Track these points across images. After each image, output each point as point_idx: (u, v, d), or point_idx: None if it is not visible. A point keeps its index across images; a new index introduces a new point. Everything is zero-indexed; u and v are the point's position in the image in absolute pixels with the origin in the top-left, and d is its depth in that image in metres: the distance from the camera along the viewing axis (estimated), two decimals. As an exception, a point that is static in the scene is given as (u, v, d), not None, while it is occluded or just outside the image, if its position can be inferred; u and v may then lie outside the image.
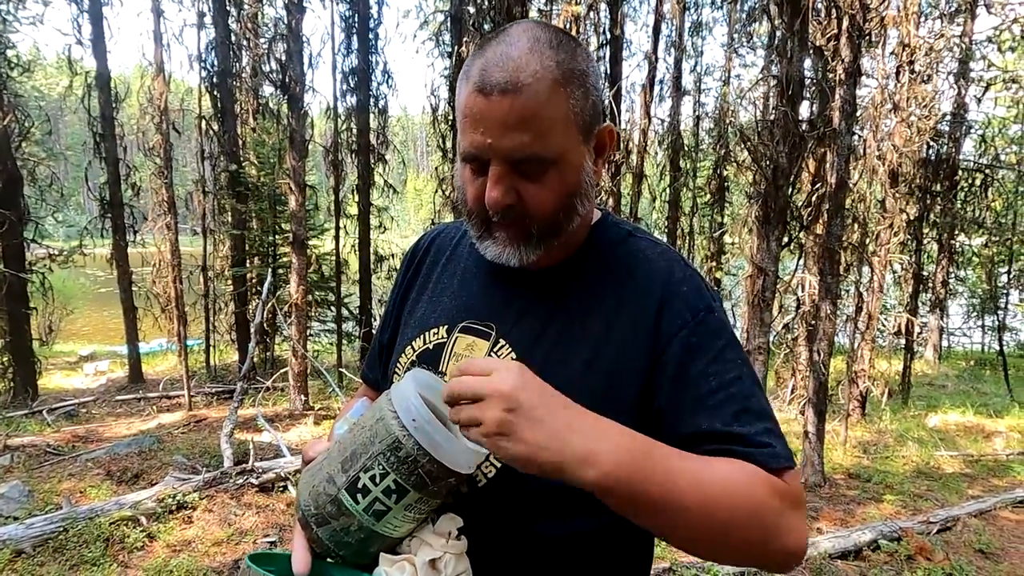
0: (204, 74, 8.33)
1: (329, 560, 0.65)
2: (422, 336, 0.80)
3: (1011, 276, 11.92)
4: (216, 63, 8.31)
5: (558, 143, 0.67)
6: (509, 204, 0.68)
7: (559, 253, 0.75)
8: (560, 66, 0.67)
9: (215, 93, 8.32)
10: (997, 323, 10.79)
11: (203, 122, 8.33)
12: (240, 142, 8.77)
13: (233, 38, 8.37)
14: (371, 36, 8.90)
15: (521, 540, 0.69)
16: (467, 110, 0.68)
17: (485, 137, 0.66)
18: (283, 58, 7.07)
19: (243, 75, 8.94)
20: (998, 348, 10.19)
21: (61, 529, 3.18)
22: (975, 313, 13.18)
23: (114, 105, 7.93)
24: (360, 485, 0.61)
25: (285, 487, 4.04)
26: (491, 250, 0.72)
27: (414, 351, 0.80)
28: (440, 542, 0.63)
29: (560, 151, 0.68)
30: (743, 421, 0.65)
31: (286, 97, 6.77)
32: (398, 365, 0.81)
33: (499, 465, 0.69)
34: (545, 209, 0.69)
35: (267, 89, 9.24)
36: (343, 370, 7.90)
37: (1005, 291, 11.89)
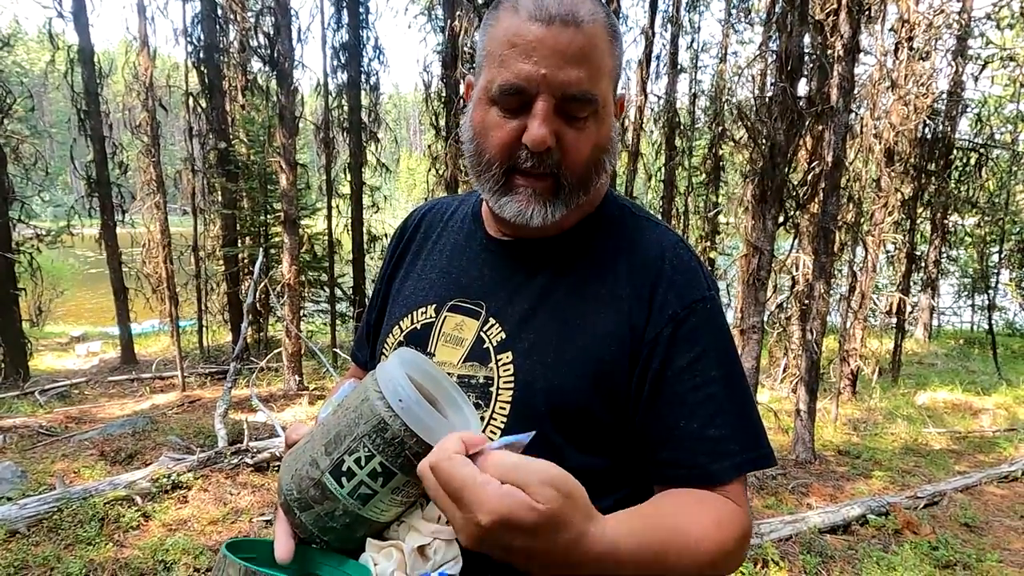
0: (190, 49, 8.12)
1: (313, 546, 0.63)
2: (410, 316, 0.77)
3: (1002, 256, 12.00)
4: (202, 37, 8.10)
5: (604, 89, 0.66)
6: (549, 148, 0.64)
7: (563, 221, 0.72)
8: (608, 18, 0.66)
9: (202, 69, 8.13)
10: (987, 302, 10.89)
11: (190, 99, 8.15)
12: (229, 119, 8.60)
13: (219, 11, 8.15)
14: (362, 10, 8.70)
15: None
16: (516, 38, 0.63)
17: (539, 67, 0.62)
18: (271, 32, 6.91)
19: (230, 50, 8.73)
20: (987, 327, 10.30)
21: (55, 509, 3.18)
22: (966, 292, 13.30)
23: (98, 81, 7.74)
24: (345, 468, 0.58)
25: (280, 466, 4.04)
26: (511, 207, 0.68)
27: (401, 331, 0.77)
28: (429, 527, 0.61)
29: (604, 99, 0.66)
30: (716, 424, 0.65)
31: (275, 73, 6.63)
32: (386, 346, 0.79)
33: None
34: (582, 159, 0.66)
35: (255, 65, 9.04)
36: (337, 350, 7.89)
37: (996, 271, 11.98)
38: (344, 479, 0.58)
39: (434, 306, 0.76)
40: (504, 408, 0.68)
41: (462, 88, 0.79)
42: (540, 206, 0.67)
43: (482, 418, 0.68)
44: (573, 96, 0.63)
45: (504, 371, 0.69)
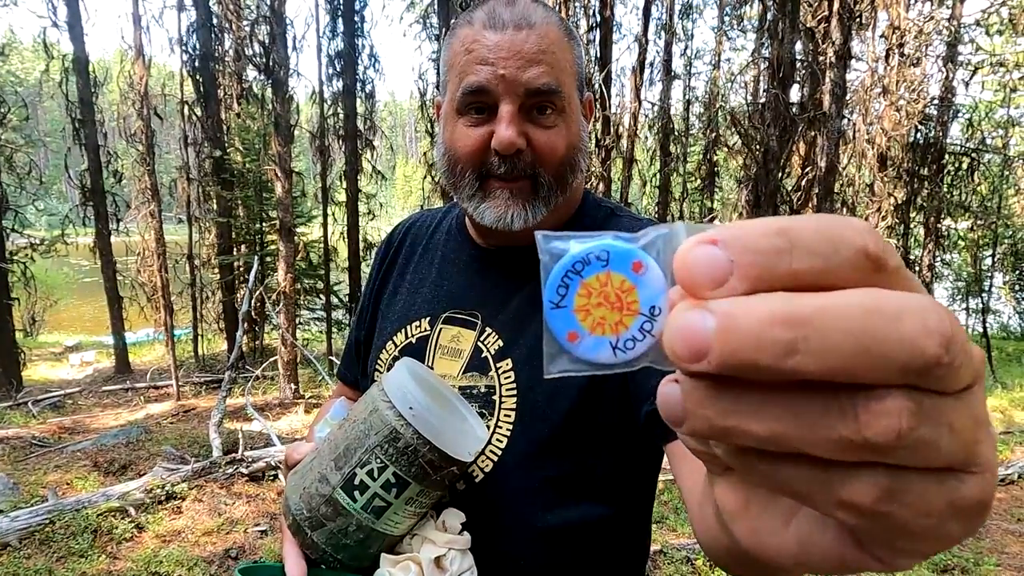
0: (186, 58, 8.13)
1: (324, 567, 0.62)
2: (404, 330, 0.77)
3: (995, 259, 12.08)
4: (198, 46, 8.11)
5: (568, 86, 0.67)
6: (519, 149, 0.65)
7: (543, 226, 0.72)
8: (562, 22, 0.68)
9: (197, 77, 8.13)
10: (981, 305, 10.95)
11: (186, 107, 8.15)
12: (224, 127, 8.60)
13: (215, 20, 8.16)
14: (357, 18, 8.73)
15: (522, 533, 0.67)
16: (473, 45, 0.64)
17: (497, 69, 0.63)
18: (266, 41, 6.92)
19: (226, 59, 8.73)
20: (982, 330, 10.35)
21: (47, 521, 3.14)
22: (960, 296, 13.36)
23: (93, 90, 7.72)
24: (357, 481, 0.58)
25: (275, 476, 4.02)
26: (489, 213, 0.67)
27: (396, 346, 0.77)
28: (444, 538, 0.61)
29: (568, 95, 0.67)
30: None
31: (270, 81, 6.64)
32: (379, 362, 0.78)
33: (496, 459, 0.67)
34: (556, 155, 0.66)
35: (251, 73, 9.04)
36: (333, 358, 7.86)
37: (989, 274, 12.06)
38: (357, 493, 0.58)
39: (428, 319, 0.75)
40: (509, 416, 0.67)
41: (432, 110, 0.80)
42: (519, 208, 0.67)
43: (487, 427, 0.68)
44: (537, 89, 0.64)
45: (505, 379, 0.68)
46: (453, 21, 0.69)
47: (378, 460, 0.57)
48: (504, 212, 0.67)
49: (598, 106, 6.39)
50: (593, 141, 6.62)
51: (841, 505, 0.17)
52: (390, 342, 0.77)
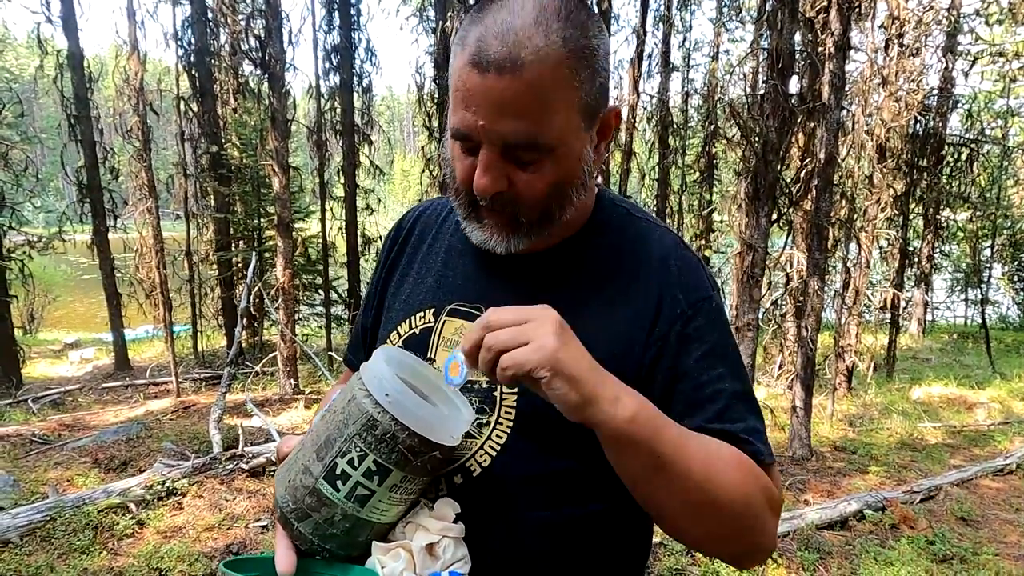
0: (181, 53, 8.08)
1: (316, 557, 0.62)
2: (408, 320, 0.77)
3: (994, 250, 12.09)
4: (193, 41, 8.06)
5: (558, 129, 0.62)
6: (498, 191, 0.64)
7: (554, 237, 0.71)
8: (567, 43, 0.60)
9: (193, 72, 8.08)
10: (980, 296, 10.96)
11: (182, 102, 8.11)
12: (221, 123, 8.55)
13: (210, 15, 8.10)
14: (353, 12, 8.67)
15: (519, 527, 0.67)
16: (459, 83, 0.62)
17: (477, 118, 0.61)
18: (262, 35, 6.86)
19: (221, 53, 8.68)
20: (981, 321, 10.36)
21: (48, 518, 3.15)
22: (959, 287, 13.37)
23: (88, 86, 7.68)
24: (338, 471, 0.57)
25: (275, 471, 4.02)
26: (477, 234, 0.69)
27: (399, 336, 0.76)
28: (438, 525, 0.61)
29: (559, 138, 0.63)
30: (733, 416, 0.65)
31: (266, 76, 6.60)
32: None
33: (495, 454, 0.67)
34: (537, 198, 0.65)
35: (247, 68, 8.99)
36: (333, 354, 7.86)
37: (988, 265, 12.07)
38: (339, 482, 0.58)
39: (433, 310, 0.75)
40: (510, 412, 0.67)
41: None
42: (502, 237, 0.68)
43: (488, 422, 0.68)
44: (516, 144, 0.62)
45: None
46: (461, 24, 0.67)
47: (358, 449, 0.57)
48: (488, 237, 0.68)
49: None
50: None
51: (502, 375, 0.55)
52: (394, 332, 0.77)
